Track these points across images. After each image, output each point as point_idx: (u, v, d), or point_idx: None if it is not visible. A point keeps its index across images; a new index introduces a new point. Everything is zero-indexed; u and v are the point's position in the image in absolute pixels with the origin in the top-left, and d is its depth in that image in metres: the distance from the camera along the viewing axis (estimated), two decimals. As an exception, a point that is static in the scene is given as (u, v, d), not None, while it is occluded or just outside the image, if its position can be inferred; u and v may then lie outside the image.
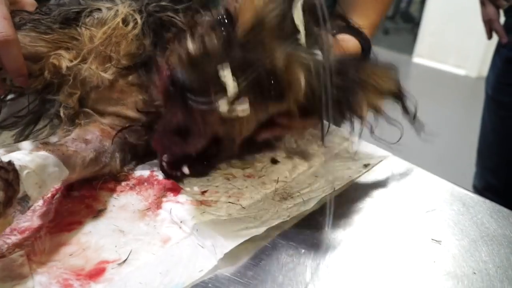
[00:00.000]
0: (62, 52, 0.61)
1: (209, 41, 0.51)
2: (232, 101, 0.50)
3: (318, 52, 0.55)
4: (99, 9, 0.62)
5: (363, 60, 0.62)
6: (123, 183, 0.61)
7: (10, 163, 0.43)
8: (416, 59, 4.76)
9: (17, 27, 0.58)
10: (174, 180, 0.62)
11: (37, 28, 0.59)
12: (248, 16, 0.52)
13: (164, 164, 0.61)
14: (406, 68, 4.45)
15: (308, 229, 0.56)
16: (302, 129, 0.71)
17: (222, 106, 0.49)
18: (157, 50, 0.61)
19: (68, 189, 0.57)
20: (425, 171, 0.71)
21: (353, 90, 0.58)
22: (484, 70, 4.17)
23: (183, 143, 0.57)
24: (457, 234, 0.57)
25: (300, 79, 0.53)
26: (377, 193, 0.65)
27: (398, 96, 0.61)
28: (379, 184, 0.67)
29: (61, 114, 0.62)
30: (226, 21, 0.54)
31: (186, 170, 0.61)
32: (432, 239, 0.55)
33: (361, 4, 0.86)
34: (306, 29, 0.54)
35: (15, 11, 0.61)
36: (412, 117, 0.62)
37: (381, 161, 0.72)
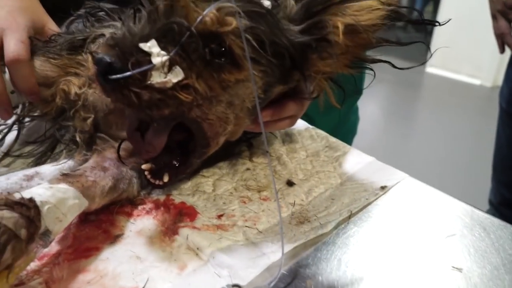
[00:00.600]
0: (72, 78, 0.62)
1: (132, 22, 0.51)
2: (164, 70, 0.48)
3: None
4: (103, 35, 0.63)
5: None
6: (140, 207, 0.61)
7: (31, 200, 0.44)
8: (429, 69, 4.73)
9: (30, 52, 0.60)
10: (157, 188, 0.62)
11: (46, 54, 0.62)
12: None
13: (146, 173, 0.59)
14: (419, 78, 4.43)
15: (324, 256, 0.55)
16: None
17: (155, 77, 0.48)
18: None
19: (86, 213, 0.58)
20: (443, 194, 0.70)
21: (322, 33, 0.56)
22: (499, 79, 4.13)
23: (145, 142, 0.56)
24: (478, 261, 0.56)
25: (237, 23, 0.50)
26: (394, 217, 0.64)
27: (395, 16, 0.56)
28: (397, 207, 0.66)
29: (77, 139, 0.63)
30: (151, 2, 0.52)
31: (166, 178, 0.59)
32: (453, 267, 0.54)
33: None
34: None
35: (32, 38, 0.62)
36: (423, 22, 0.60)
37: (398, 182, 0.71)
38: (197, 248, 0.53)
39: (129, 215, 0.59)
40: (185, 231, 0.56)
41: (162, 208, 0.61)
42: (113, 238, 0.55)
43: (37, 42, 0.63)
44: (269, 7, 0.54)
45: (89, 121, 0.63)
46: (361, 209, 0.64)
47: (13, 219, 0.41)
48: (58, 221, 0.46)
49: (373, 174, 0.73)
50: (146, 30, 0.49)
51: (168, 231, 0.57)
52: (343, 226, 0.61)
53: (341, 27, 0.55)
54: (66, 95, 0.62)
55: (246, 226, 0.59)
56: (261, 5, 0.53)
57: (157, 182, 0.58)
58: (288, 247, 0.54)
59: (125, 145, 0.64)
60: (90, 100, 0.62)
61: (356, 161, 0.76)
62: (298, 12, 0.57)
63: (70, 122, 0.64)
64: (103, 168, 0.59)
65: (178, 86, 0.50)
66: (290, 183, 0.69)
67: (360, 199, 0.66)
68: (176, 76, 0.49)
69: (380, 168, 0.74)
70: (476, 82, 4.46)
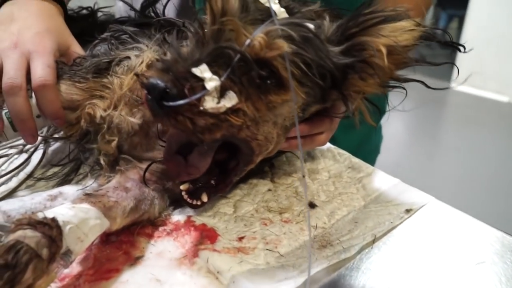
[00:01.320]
0: (97, 101, 0.62)
1: (184, 48, 0.51)
2: (217, 95, 0.48)
3: (305, 21, 0.53)
4: (128, 57, 0.63)
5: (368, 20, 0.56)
6: (160, 228, 0.61)
7: (53, 219, 0.44)
8: (454, 85, 4.65)
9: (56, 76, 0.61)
10: (196, 208, 0.61)
11: (72, 77, 0.62)
12: (209, 9, 0.51)
13: (183, 193, 0.60)
14: (444, 95, 4.36)
15: (348, 281, 0.53)
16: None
17: (208, 102, 0.48)
18: None
19: (107, 234, 0.58)
20: (471, 218, 0.67)
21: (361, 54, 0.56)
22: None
23: (188, 164, 0.57)
24: (510, 290, 0.53)
25: (285, 47, 0.50)
26: (420, 242, 0.62)
27: (427, 36, 0.57)
28: (422, 232, 0.64)
29: (102, 161, 0.64)
30: (191, 23, 0.54)
31: (204, 197, 0.60)
32: (483, 296, 0.52)
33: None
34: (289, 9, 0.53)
35: (58, 61, 0.64)
36: (451, 44, 0.60)
37: (423, 206, 0.68)
38: (217, 272, 0.53)
39: (150, 236, 0.59)
40: (205, 254, 0.56)
41: (182, 230, 0.61)
42: (134, 260, 0.55)
43: (63, 66, 0.64)
44: (313, 29, 0.55)
45: (113, 144, 0.63)
46: (385, 233, 0.62)
47: (35, 239, 0.41)
48: (80, 241, 0.46)
49: (397, 197, 0.71)
50: (196, 54, 0.49)
51: (189, 254, 0.56)
52: (366, 250, 0.59)
53: (384, 50, 0.56)
54: (92, 118, 0.63)
55: (267, 249, 0.58)
56: (308, 29, 0.53)
57: (194, 202, 0.59)
58: (310, 272, 0.53)
59: (144, 164, 0.65)
60: (116, 123, 0.63)
61: (380, 182, 0.75)
62: (335, 33, 0.58)
63: (94, 145, 0.65)
64: (125, 189, 0.59)
65: (230, 109, 0.51)
66: (312, 205, 0.68)
67: (384, 222, 0.64)
68: (230, 101, 0.50)
69: (405, 190, 0.72)
70: (504, 99, 4.36)
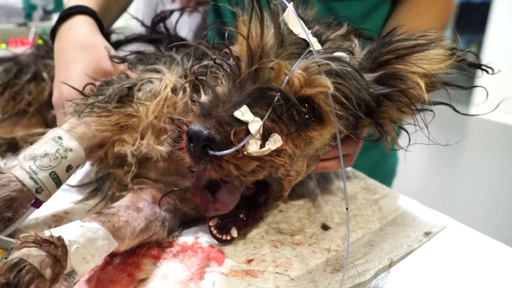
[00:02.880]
0: (125, 136, 0.61)
1: (219, 87, 0.50)
2: (259, 137, 0.46)
3: (337, 53, 0.52)
4: (151, 81, 0.62)
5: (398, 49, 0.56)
6: (167, 250, 0.59)
7: (60, 238, 0.43)
8: (474, 110, 4.58)
9: (77, 115, 0.59)
10: (225, 244, 0.59)
11: (95, 112, 0.60)
12: (243, 46, 0.50)
13: (212, 228, 0.59)
14: (463, 119, 4.28)
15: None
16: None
17: (252, 145, 0.46)
18: None
19: (111, 255, 0.56)
20: (494, 240, 0.63)
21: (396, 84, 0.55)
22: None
23: (215, 200, 0.56)
24: (541, 320, 0.49)
25: (327, 85, 0.49)
26: (440, 266, 0.58)
27: (452, 56, 0.55)
28: (443, 256, 0.60)
29: (114, 190, 0.64)
30: (225, 61, 0.52)
31: (234, 233, 0.59)
32: (511, 325, 0.48)
33: (412, 16, 0.83)
34: (318, 37, 0.52)
35: (84, 93, 0.64)
36: (479, 67, 0.58)
37: (443, 228, 0.65)
38: (224, 296, 0.50)
39: (155, 258, 0.57)
40: (212, 277, 0.53)
41: (189, 252, 0.58)
42: (137, 282, 0.52)
43: (76, 102, 0.62)
44: (347, 59, 0.53)
45: (131, 175, 0.62)
46: (402, 257, 0.59)
47: (39, 258, 0.40)
48: (85, 262, 0.45)
49: (415, 219, 0.68)
50: (235, 95, 0.48)
51: (194, 277, 0.54)
52: (383, 275, 0.56)
53: (422, 84, 0.55)
54: (120, 155, 0.61)
55: (277, 273, 0.55)
56: (346, 62, 0.52)
57: (223, 237, 0.58)
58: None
59: (159, 185, 0.63)
60: (144, 152, 0.61)
61: (396, 204, 0.72)
62: (366, 59, 0.57)
63: (112, 170, 0.64)
64: (137, 209, 0.57)
65: (274, 151, 0.49)
66: (325, 227, 0.65)
67: (401, 245, 0.61)
68: (275, 143, 0.49)
69: (423, 213, 0.69)
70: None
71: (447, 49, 0.55)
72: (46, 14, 1.80)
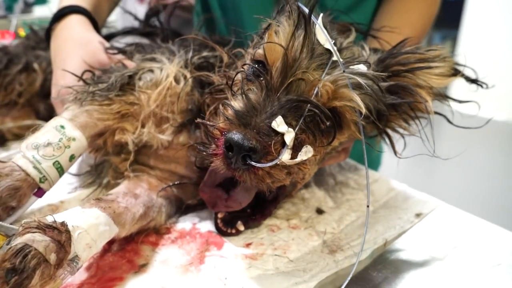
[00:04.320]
0: (125, 124, 0.60)
1: (251, 95, 0.50)
2: (292, 147, 0.47)
3: (359, 66, 0.53)
4: (151, 70, 0.62)
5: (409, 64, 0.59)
6: (165, 236, 0.59)
7: (63, 224, 0.42)
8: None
9: (79, 103, 0.58)
10: (229, 236, 0.59)
11: (96, 100, 0.59)
12: (275, 56, 0.51)
13: (218, 221, 0.59)
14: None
15: (362, 286, 0.51)
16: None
17: (285, 156, 0.47)
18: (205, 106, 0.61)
19: (110, 242, 0.56)
20: (483, 220, 0.66)
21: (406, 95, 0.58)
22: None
23: (230, 198, 0.57)
24: (530, 291, 0.51)
25: (355, 100, 0.51)
26: (432, 246, 0.60)
27: (456, 74, 0.59)
28: (435, 236, 0.62)
29: (110, 178, 0.63)
30: (259, 69, 0.53)
31: (241, 227, 0.59)
32: (502, 298, 0.50)
33: (401, 11, 0.85)
34: (335, 44, 0.53)
35: (84, 79, 0.63)
36: (476, 82, 0.61)
37: (433, 209, 0.67)
38: (225, 278, 0.51)
39: (154, 244, 0.57)
40: (212, 260, 0.54)
41: (188, 237, 0.59)
42: (138, 268, 0.53)
43: (76, 89, 0.61)
44: (369, 71, 0.55)
45: (128, 162, 0.62)
46: (396, 237, 0.60)
47: (44, 243, 0.40)
48: (88, 248, 0.45)
49: (406, 201, 0.69)
50: (269, 106, 0.48)
51: (194, 261, 0.54)
52: (378, 255, 0.57)
53: (430, 101, 0.58)
54: (120, 143, 0.62)
55: (276, 255, 0.56)
56: (370, 78, 0.54)
57: (229, 230, 0.59)
58: (321, 276, 0.51)
59: (155, 172, 0.63)
60: (145, 141, 0.61)
61: (387, 188, 0.73)
62: (376, 65, 0.58)
63: (108, 157, 0.64)
64: (135, 195, 0.57)
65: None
66: (319, 211, 0.66)
67: (394, 226, 0.62)
68: (306, 154, 0.49)
69: (413, 195, 0.71)
70: (500, 118, 4.37)
71: (451, 66, 0.59)
72: (27, 6, 1.77)
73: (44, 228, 0.42)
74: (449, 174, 2.84)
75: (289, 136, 0.47)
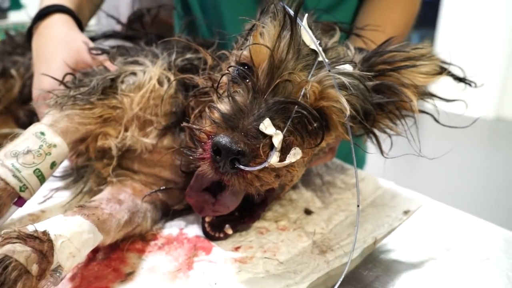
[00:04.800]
0: (108, 129, 0.59)
1: (238, 97, 0.49)
2: (280, 149, 0.47)
3: (344, 66, 0.53)
4: (134, 73, 0.60)
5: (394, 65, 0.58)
6: (151, 243, 0.57)
7: (45, 233, 0.41)
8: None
9: (59, 107, 0.57)
10: (217, 241, 0.58)
11: (78, 104, 0.57)
12: (261, 58, 0.51)
13: (206, 225, 0.58)
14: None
15: (354, 286, 0.51)
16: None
17: (274, 159, 0.46)
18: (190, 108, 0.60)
19: (94, 251, 0.54)
20: (471, 215, 0.66)
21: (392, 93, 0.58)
22: (501, 111, 4.13)
23: (217, 202, 0.56)
24: (520, 285, 0.51)
25: (341, 101, 0.50)
26: (422, 242, 0.60)
27: (443, 70, 0.58)
28: (423, 232, 0.62)
29: (92, 184, 0.62)
30: (245, 71, 0.52)
31: (229, 230, 0.58)
32: (493, 292, 0.50)
33: (383, 9, 0.85)
34: (320, 45, 0.52)
35: (64, 83, 0.61)
36: (464, 81, 0.61)
37: (420, 206, 0.67)
38: (215, 283, 0.49)
39: (140, 251, 0.56)
40: (201, 266, 0.52)
41: (175, 243, 0.57)
42: (124, 277, 0.51)
43: (56, 93, 0.59)
44: (355, 72, 0.54)
45: (110, 168, 0.60)
46: (385, 235, 0.60)
47: (25, 253, 0.38)
48: (71, 257, 0.43)
49: (393, 199, 0.69)
50: (256, 108, 0.47)
51: (183, 267, 0.53)
52: (369, 253, 0.57)
53: (415, 101, 0.57)
54: (103, 148, 0.60)
55: (265, 258, 0.55)
56: (356, 78, 0.53)
57: (216, 234, 0.58)
58: (312, 277, 0.50)
59: (139, 176, 0.62)
60: (128, 145, 0.60)
61: (374, 187, 0.73)
62: (361, 64, 0.58)
63: (90, 163, 0.62)
64: (119, 201, 0.56)
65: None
66: (308, 212, 0.66)
67: (383, 225, 0.62)
68: (295, 156, 0.48)
69: (400, 193, 0.71)
70: (476, 115, 4.45)
71: (438, 64, 0.58)
72: (2, 12, 1.73)
73: (25, 238, 0.40)
74: (432, 171, 2.89)
75: (277, 139, 0.46)
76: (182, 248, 0.56)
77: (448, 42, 4.59)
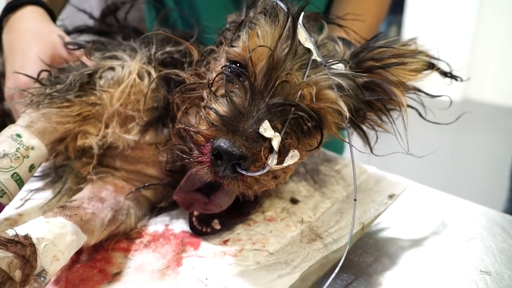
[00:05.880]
0: (88, 128, 0.57)
1: (235, 98, 0.48)
2: (278, 152, 0.46)
3: (338, 65, 0.52)
4: (112, 68, 0.58)
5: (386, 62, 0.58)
6: (137, 241, 0.56)
7: (27, 237, 0.39)
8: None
9: (35, 106, 0.54)
10: (204, 236, 0.57)
11: (55, 102, 0.55)
12: (257, 57, 0.49)
13: (193, 219, 0.56)
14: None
15: (345, 273, 0.51)
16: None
17: (272, 160, 0.45)
18: (171, 102, 0.58)
19: (77, 252, 0.52)
20: (454, 196, 0.67)
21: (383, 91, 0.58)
22: (468, 93, 4.25)
23: (210, 202, 0.54)
24: (506, 263, 0.52)
25: (339, 104, 0.50)
26: (408, 225, 0.61)
27: (430, 67, 0.58)
28: (408, 215, 0.63)
29: (71, 183, 0.59)
30: (240, 70, 0.50)
31: (217, 225, 0.56)
32: (481, 271, 0.51)
33: (355, 7, 0.84)
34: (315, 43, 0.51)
35: (39, 80, 0.58)
36: (451, 76, 0.60)
37: (405, 189, 0.67)
38: (206, 278, 0.48)
39: (126, 250, 0.54)
40: (190, 261, 0.51)
41: (161, 240, 0.56)
42: (111, 277, 0.49)
43: (32, 92, 0.56)
44: (347, 71, 0.54)
45: (90, 166, 0.58)
46: (372, 220, 0.60)
47: (7, 260, 0.36)
48: (55, 260, 0.41)
49: (377, 184, 0.70)
50: (254, 110, 0.46)
51: (171, 264, 0.51)
52: (357, 239, 0.57)
53: (404, 100, 0.57)
54: (82, 147, 0.58)
55: (255, 249, 0.54)
56: (350, 78, 0.53)
57: (204, 229, 0.56)
58: (304, 266, 0.50)
59: (120, 173, 0.60)
60: (109, 142, 0.58)
61: (358, 172, 0.73)
62: (350, 60, 0.57)
63: (70, 161, 0.60)
64: (101, 199, 0.54)
65: None
66: (294, 201, 0.65)
67: (369, 210, 0.62)
68: (293, 159, 0.47)
69: (383, 178, 0.71)
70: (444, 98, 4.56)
71: (426, 60, 0.58)
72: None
73: (6, 243, 0.38)
74: (403, 153, 2.95)
75: (276, 141, 0.45)
76: (169, 244, 0.55)
77: (415, 27, 4.67)
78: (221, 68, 0.53)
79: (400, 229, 0.60)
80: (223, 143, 0.43)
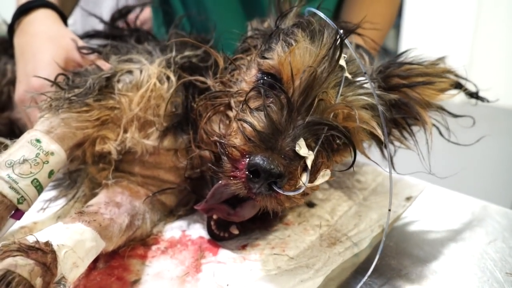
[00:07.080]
0: (106, 133, 0.56)
1: (271, 113, 0.46)
2: (311, 171, 0.45)
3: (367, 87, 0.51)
4: (130, 71, 0.57)
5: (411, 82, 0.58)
6: (153, 247, 0.55)
7: (47, 243, 0.38)
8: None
9: (54, 111, 0.53)
10: (222, 241, 0.56)
11: (74, 106, 0.53)
12: (296, 74, 0.48)
13: (212, 223, 0.55)
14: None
15: (369, 277, 0.50)
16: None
17: (304, 178, 0.44)
18: (189, 107, 0.57)
19: (94, 260, 0.51)
20: (472, 198, 0.66)
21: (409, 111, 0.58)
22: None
23: (234, 214, 0.54)
24: (531, 262, 0.51)
25: (373, 125, 0.50)
26: (429, 227, 0.60)
27: (458, 85, 0.58)
28: (428, 217, 0.62)
29: (85, 189, 0.59)
30: (274, 83, 0.49)
31: (235, 230, 0.55)
32: (507, 273, 0.50)
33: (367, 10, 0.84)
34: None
35: (57, 83, 0.57)
36: (477, 96, 0.60)
37: (422, 191, 0.67)
38: (227, 285, 0.47)
39: (143, 257, 0.53)
40: (210, 267, 0.50)
41: (179, 246, 0.55)
42: (130, 285, 0.48)
43: (49, 96, 0.55)
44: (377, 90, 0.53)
45: (107, 172, 0.57)
46: (391, 223, 0.59)
47: (28, 267, 0.35)
48: (75, 267, 0.40)
49: (394, 186, 0.68)
50: (290, 127, 0.45)
51: (190, 270, 0.50)
52: (377, 242, 0.56)
53: (430, 123, 0.58)
54: (103, 153, 0.57)
55: (275, 254, 0.53)
56: (380, 97, 0.53)
57: (221, 234, 0.55)
58: (326, 270, 0.49)
59: (136, 178, 0.59)
60: (128, 147, 0.57)
61: (373, 175, 0.73)
62: (376, 74, 0.57)
63: (85, 166, 0.59)
64: (117, 204, 0.53)
65: None
66: (310, 204, 0.64)
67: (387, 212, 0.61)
68: (323, 178, 0.47)
69: (399, 179, 0.70)
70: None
71: (454, 81, 0.58)
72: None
73: (26, 250, 0.37)
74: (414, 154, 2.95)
75: (310, 160, 0.44)
76: (187, 250, 0.54)
77: (413, 30, 4.67)
78: (256, 80, 0.52)
79: (419, 231, 0.59)
80: (261, 160, 0.42)
